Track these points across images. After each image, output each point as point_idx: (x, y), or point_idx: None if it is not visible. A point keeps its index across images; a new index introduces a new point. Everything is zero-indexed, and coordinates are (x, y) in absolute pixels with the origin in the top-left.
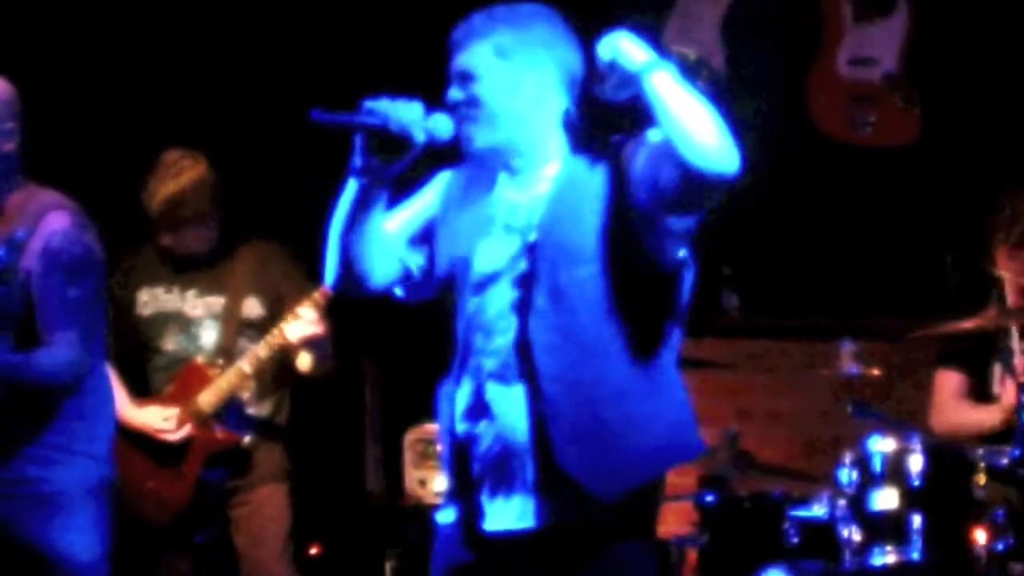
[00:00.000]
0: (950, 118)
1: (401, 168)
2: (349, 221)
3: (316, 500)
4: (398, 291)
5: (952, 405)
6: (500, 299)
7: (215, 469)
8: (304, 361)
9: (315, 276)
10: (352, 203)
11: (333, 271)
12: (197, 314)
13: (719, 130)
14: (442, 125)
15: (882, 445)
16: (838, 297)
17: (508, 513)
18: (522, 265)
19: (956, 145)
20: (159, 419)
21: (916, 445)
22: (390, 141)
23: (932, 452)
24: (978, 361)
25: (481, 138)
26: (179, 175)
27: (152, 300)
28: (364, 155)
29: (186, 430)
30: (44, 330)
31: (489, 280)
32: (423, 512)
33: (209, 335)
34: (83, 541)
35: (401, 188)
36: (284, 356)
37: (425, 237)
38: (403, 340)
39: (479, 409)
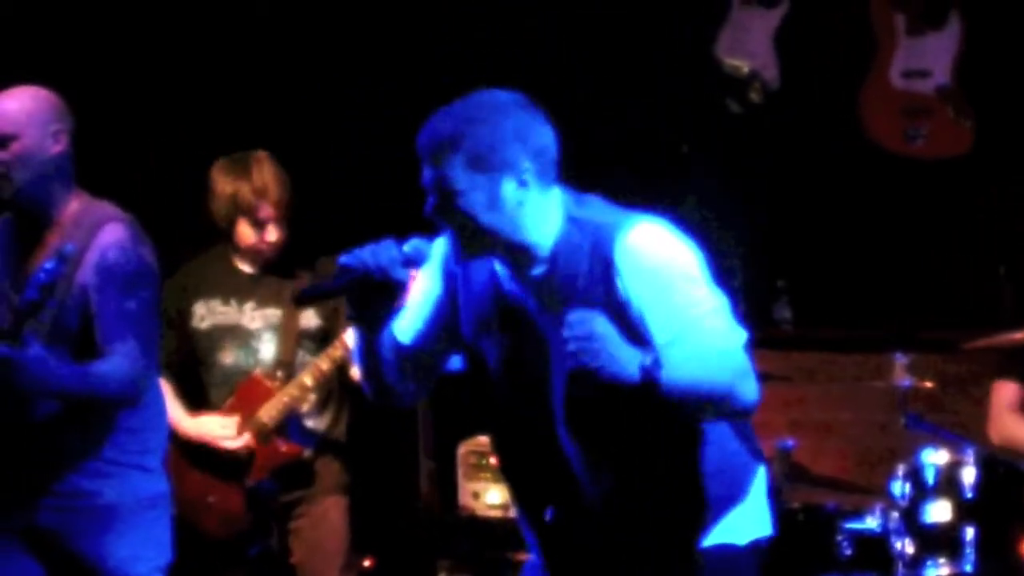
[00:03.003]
0: (1002, 129)
1: (397, 302)
2: (368, 362)
3: (370, 512)
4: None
5: (1008, 417)
6: (541, 403)
7: (269, 480)
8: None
9: None
10: (363, 348)
11: (376, 399)
12: (255, 327)
13: (735, 383)
14: (420, 248)
15: (935, 457)
16: (891, 309)
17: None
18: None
19: (1008, 156)
20: (217, 427)
21: (969, 457)
22: (377, 287)
23: (985, 464)
24: None
25: (469, 249)
26: (262, 168)
27: (209, 313)
28: (357, 307)
29: (245, 439)
30: (102, 342)
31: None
32: (476, 524)
33: (267, 348)
34: (137, 554)
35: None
36: (343, 368)
37: (440, 323)
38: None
39: (551, 501)
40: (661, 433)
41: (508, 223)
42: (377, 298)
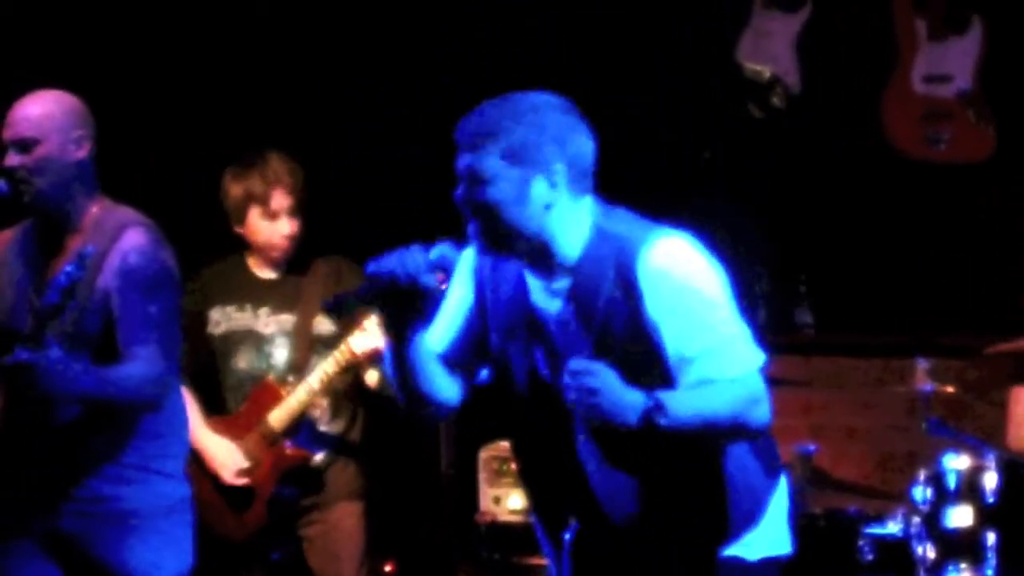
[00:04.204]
0: None
1: (426, 309)
2: (399, 370)
3: (391, 517)
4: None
5: None
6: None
7: (290, 486)
8: (372, 377)
9: None
10: (394, 355)
11: (408, 408)
12: (269, 332)
13: (745, 412)
14: (446, 253)
15: (957, 462)
16: (913, 314)
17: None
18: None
19: None
20: (227, 456)
21: (991, 462)
22: (405, 294)
23: (1007, 469)
24: None
25: (493, 242)
26: (272, 159)
27: (224, 319)
28: (387, 316)
29: (243, 481)
30: (124, 346)
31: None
32: (497, 529)
33: (281, 353)
34: (157, 560)
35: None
36: (355, 372)
37: (471, 332)
38: None
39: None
40: (679, 450)
41: (533, 221)
42: (406, 306)
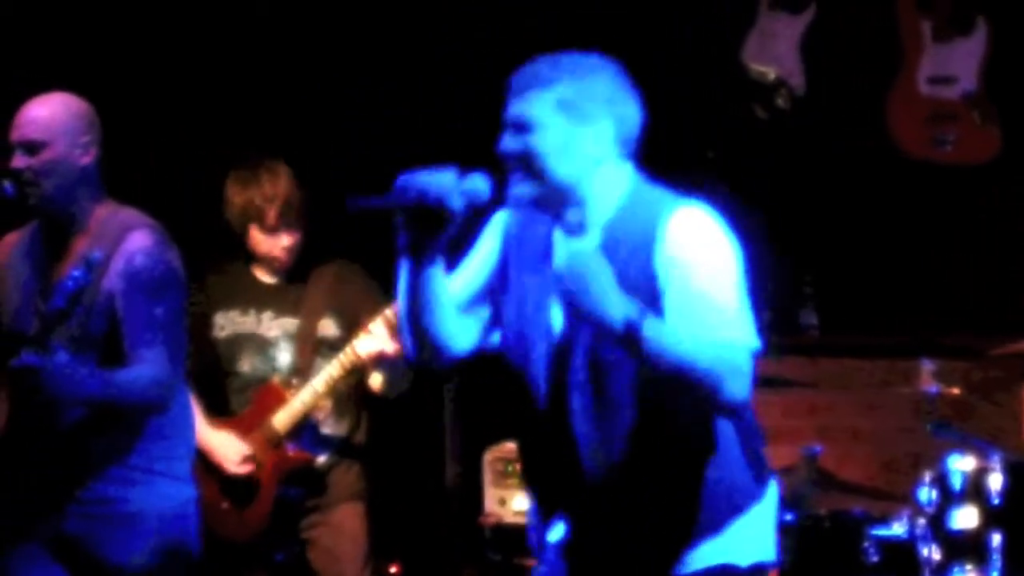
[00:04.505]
0: None
1: (448, 237)
2: (412, 299)
3: (396, 519)
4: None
5: None
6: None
7: (294, 487)
8: (376, 380)
9: (390, 295)
10: (409, 281)
11: (412, 347)
12: (273, 335)
13: (724, 375)
14: (479, 186)
15: (962, 464)
16: (918, 315)
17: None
18: (566, 332)
19: None
20: (231, 448)
21: (996, 464)
22: (430, 214)
23: (1012, 470)
24: None
25: (530, 191)
26: (272, 175)
27: (228, 323)
28: (407, 233)
29: (246, 469)
30: (130, 348)
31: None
32: (502, 531)
33: (285, 356)
34: (163, 562)
35: (456, 249)
36: (359, 375)
37: (488, 289)
38: (483, 358)
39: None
40: (669, 428)
41: (572, 173)
42: (428, 225)
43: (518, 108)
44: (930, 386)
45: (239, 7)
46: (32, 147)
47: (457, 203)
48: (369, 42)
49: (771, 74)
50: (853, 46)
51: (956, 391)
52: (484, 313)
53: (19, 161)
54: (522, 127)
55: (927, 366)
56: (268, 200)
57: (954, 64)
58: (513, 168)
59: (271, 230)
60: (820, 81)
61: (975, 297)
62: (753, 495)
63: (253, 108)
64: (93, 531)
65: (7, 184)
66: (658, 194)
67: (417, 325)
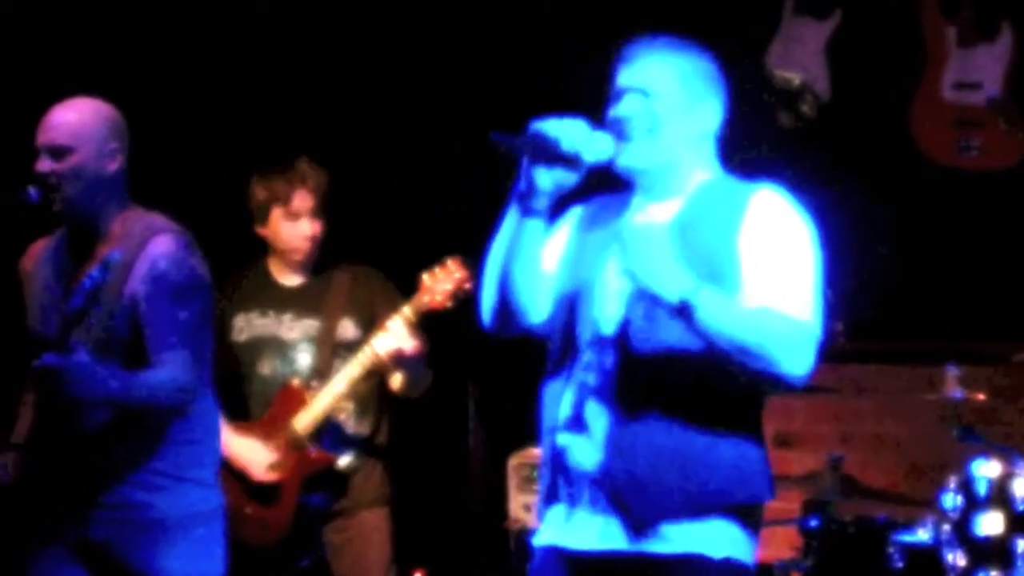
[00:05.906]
0: None
1: (564, 191)
2: (511, 248)
3: (420, 524)
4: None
5: None
6: (612, 320)
7: (317, 493)
8: (396, 380)
9: (408, 297)
10: (514, 229)
11: (490, 305)
12: (293, 337)
13: (781, 350)
14: (604, 144)
15: (987, 469)
16: (943, 321)
17: (592, 532)
18: (632, 287)
19: None
20: (258, 455)
21: (1021, 470)
22: (560, 161)
23: None
24: None
25: (638, 157)
26: (296, 163)
27: (247, 325)
28: (529, 179)
29: (272, 476)
30: (153, 352)
31: (607, 300)
32: (527, 536)
33: (305, 358)
34: (189, 569)
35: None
36: (380, 376)
37: (558, 273)
38: (508, 363)
39: (577, 422)
40: (712, 382)
41: (679, 146)
42: (551, 174)
43: (636, 76)
44: (955, 392)
45: (264, 13)
46: (58, 152)
47: (589, 155)
48: (373, 44)
49: (796, 80)
50: (878, 52)
51: (981, 397)
52: (550, 283)
53: (44, 165)
54: (642, 92)
55: (952, 372)
56: (292, 183)
57: (979, 70)
58: (623, 134)
59: (294, 215)
60: (845, 87)
61: (1000, 303)
62: (762, 496)
63: (278, 114)
64: (118, 537)
65: (32, 190)
66: (738, 178)
67: (506, 282)
